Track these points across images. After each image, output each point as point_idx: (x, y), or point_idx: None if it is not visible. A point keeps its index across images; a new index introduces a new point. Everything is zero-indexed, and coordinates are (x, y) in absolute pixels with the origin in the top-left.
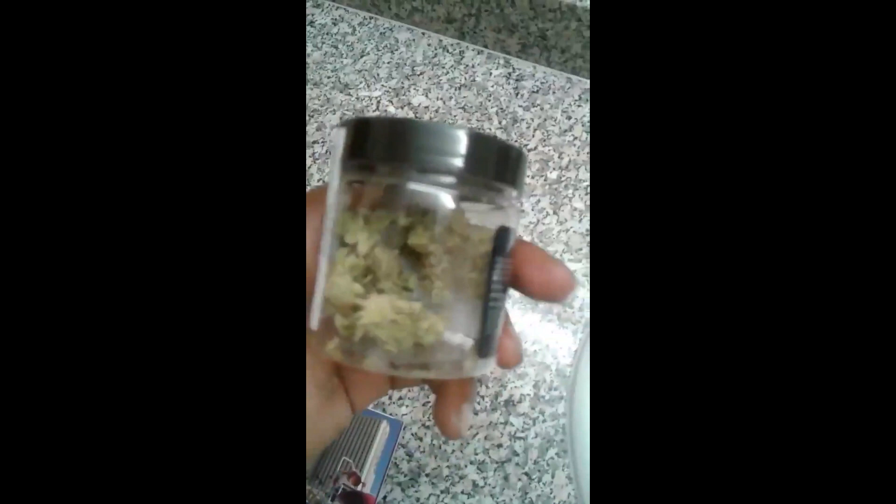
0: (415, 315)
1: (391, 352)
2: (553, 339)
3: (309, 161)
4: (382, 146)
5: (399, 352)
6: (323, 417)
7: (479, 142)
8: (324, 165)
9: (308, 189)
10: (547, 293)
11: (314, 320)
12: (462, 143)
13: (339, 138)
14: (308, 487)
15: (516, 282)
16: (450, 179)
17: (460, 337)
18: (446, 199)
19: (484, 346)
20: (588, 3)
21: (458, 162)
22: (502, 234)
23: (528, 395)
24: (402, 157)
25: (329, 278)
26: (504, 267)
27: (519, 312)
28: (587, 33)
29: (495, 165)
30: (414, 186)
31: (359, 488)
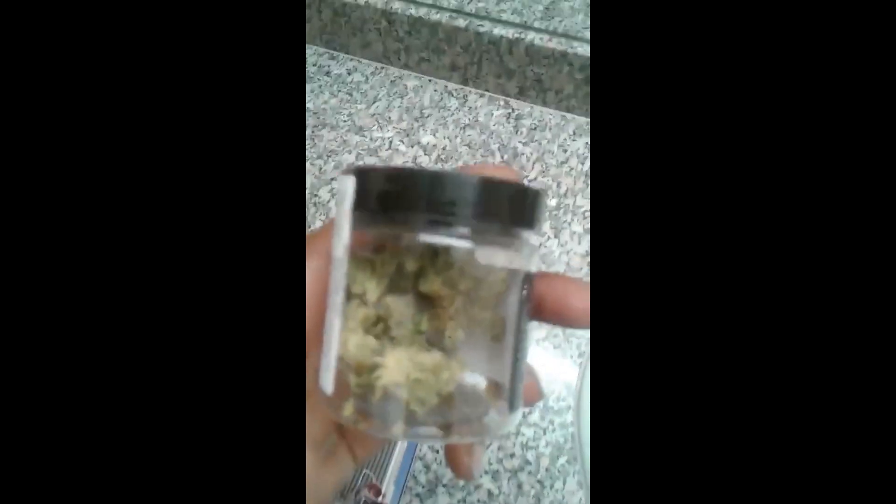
0: (437, 368)
1: (416, 413)
2: (560, 352)
3: (328, 195)
4: (388, 198)
5: (423, 412)
6: (323, 478)
7: (491, 189)
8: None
9: (308, 232)
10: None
11: (327, 383)
12: (473, 191)
13: (345, 186)
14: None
15: (540, 313)
16: (463, 230)
17: (477, 378)
18: (459, 246)
19: (513, 398)
20: (579, 49)
21: (470, 211)
22: (527, 280)
23: (539, 405)
24: (410, 209)
25: (341, 335)
26: (528, 311)
27: None
28: (578, 76)
29: (509, 211)
30: (425, 238)
31: (379, 500)
